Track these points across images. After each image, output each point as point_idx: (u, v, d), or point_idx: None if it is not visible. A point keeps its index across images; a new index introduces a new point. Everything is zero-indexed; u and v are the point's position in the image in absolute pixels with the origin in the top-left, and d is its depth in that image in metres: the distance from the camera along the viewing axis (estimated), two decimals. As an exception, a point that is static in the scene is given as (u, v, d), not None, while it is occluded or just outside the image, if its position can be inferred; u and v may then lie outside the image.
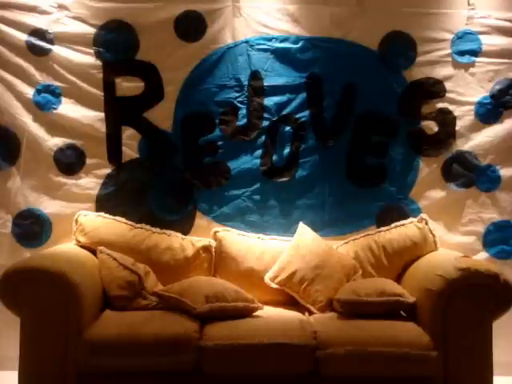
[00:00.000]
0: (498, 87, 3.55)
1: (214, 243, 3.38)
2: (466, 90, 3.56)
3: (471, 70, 3.57)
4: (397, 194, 3.56)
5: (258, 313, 2.94)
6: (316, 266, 3.17)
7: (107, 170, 3.51)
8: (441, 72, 3.56)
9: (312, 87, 3.55)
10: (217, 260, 3.35)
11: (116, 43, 3.49)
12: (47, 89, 3.47)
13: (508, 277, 2.78)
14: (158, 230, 3.39)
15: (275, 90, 3.55)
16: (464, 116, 3.56)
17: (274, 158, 3.56)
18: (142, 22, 3.50)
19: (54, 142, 3.49)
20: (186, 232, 3.47)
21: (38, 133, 3.47)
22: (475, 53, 3.55)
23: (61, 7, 3.48)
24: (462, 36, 3.54)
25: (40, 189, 3.47)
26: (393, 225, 3.42)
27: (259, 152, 3.56)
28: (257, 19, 3.55)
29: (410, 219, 3.44)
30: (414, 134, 3.57)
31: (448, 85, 3.56)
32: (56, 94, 3.47)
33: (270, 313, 3.00)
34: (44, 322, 2.66)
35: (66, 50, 3.48)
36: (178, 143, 3.54)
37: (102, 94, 3.50)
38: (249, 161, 3.56)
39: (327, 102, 3.56)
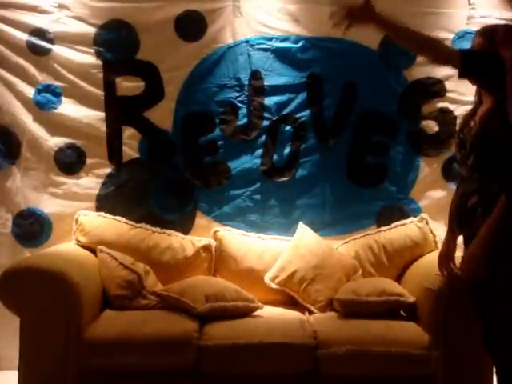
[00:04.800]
0: (498, 87, 3.54)
1: (214, 243, 3.38)
2: (467, 90, 3.53)
3: (472, 69, 3.56)
4: (397, 193, 3.56)
5: (258, 312, 2.94)
6: (316, 266, 3.17)
7: (107, 170, 3.51)
8: (441, 71, 3.54)
9: (312, 87, 3.55)
10: (217, 260, 3.35)
11: (116, 43, 3.48)
12: (47, 88, 3.47)
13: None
14: (158, 229, 3.39)
15: (275, 90, 3.55)
16: (464, 116, 3.55)
17: (275, 157, 3.56)
18: (142, 22, 3.49)
19: (55, 141, 3.49)
20: (186, 232, 3.47)
21: (39, 132, 3.47)
22: (476, 52, 3.55)
23: (61, 7, 3.47)
24: (462, 36, 3.53)
25: (40, 188, 3.47)
26: (393, 224, 3.43)
27: (259, 152, 3.55)
28: (257, 19, 3.54)
29: (411, 219, 3.45)
30: (415, 133, 3.57)
31: (448, 84, 3.55)
32: (56, 93, 3.47)
33: (270, 312, 3.00)
34: (44, 321, 2.66)
35: (67, 49, 3.47)
36: (178, 143, 3.53)
37: (103, 93, 3.50)
38: (249, 160, 3.56)
39: (327, 101, 3.55)
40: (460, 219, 2.33)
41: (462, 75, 2.24)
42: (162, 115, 3.53)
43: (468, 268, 2.20)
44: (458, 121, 3.52)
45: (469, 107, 3.50)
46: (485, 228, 2.12)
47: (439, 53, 2.27)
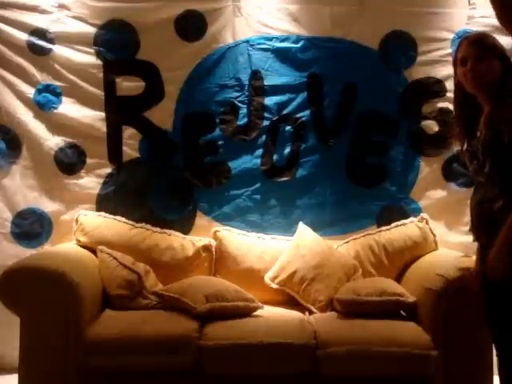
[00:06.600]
0: (498, 87, 3.54)
1: (214, 243, 3.38)
2: (467, 90, 3.56)
3: (472, 69, 3.56)
4: (397, 193, 3.56)
5: (258, 312, 2.94)
6: (316, 266, 3.17)
7: (108, 170, 3.51)
8: (441, 71, 3.55)
9: (312, 87, 3.55)
10: (217, 259, 3.35)
11: (116, 43, 3.49)
12: (48, 88, 3.47)
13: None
14: (158, 229, 3.39)
15: (276, 90, 3.55)
16: (465, 116, 3.55)
17: (275, 157, 3.56)
18: (142, 22, 3.49)
19: (55, 141, 3.49)
20: (186, 231, 3.47)
21: (39, 132, 3.47)
22: (476, 52, 3.55)
23: (61, 7, 3.47)
24: (462, 35, 3.51)
25: (40, 188, 3.47)
26: (393, 224, 3.42)
27: (260, 152, 3.55)
28: (257, 19, 3.55)
29: (411, 219, 3.44)
30: (415, 133, 3.57)
31: (448, 84, 3.54)
32: (56, 93, 3.47)
33: (270, 312, 3.00)
34: (44, 321, 2.66)
35: (67, 49, 3.48)
36: (178, 143, 3.53)
37: (103, 93, 3.50)
38: (249, 160, 3.56)
39: (328, 101, 3.55)
40: (488, 225, 2.27)
41: None
42: (162, 115, 3.53)
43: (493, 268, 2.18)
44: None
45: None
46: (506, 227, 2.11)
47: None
